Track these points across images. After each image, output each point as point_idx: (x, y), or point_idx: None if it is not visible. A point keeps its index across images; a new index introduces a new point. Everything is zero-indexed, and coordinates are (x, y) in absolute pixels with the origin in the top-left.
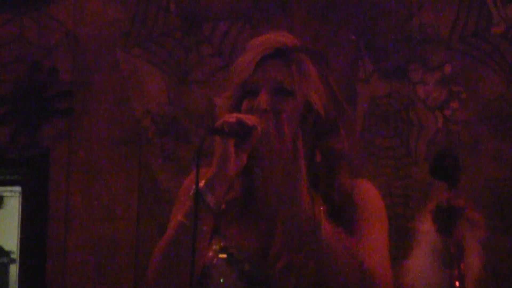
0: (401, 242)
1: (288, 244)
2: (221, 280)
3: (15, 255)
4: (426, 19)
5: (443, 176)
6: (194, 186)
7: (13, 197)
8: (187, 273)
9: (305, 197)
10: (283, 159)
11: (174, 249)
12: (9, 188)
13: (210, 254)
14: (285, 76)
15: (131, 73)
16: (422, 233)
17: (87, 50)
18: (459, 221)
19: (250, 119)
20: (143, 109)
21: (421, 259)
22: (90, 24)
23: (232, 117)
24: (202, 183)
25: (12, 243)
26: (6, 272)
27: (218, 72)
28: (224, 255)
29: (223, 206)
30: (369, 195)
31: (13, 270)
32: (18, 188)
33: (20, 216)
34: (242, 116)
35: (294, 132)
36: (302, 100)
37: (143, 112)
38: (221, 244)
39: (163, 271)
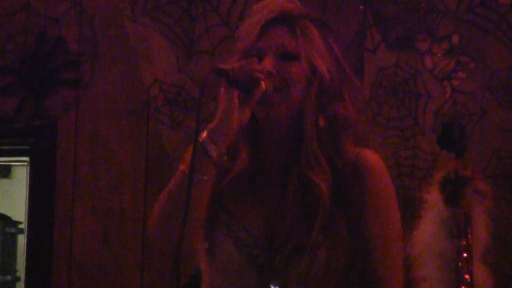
0: (408, 213)
1: (298, 221)
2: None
3: (23, 226)
4: None
5: (451, 146)
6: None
7: (21, 166)
8: (188, 222)
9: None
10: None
11: (175, 198)
12: (17, 158)
13: (218, 235)
14: (290, 40)
15: (139, 42)
16: (429, 204)
17: (94, 20)
18: (467, 192)
19: (256, 72)
20: (151, 77)
21: (429, 230)
22: None
23: (238, 66)
24: (204, 134)
25: (20, 214)
26: (14, 242)
27: (225, 42)
28: (233, 239)
29: (225, 158)
30: (378, 180)
31: (21, 240)
32: (26, 158)
33: (28, 186)
34: (248, 67)
35: (301, 96)
36: (307, 64)
37: (152, 80)
38: (229, 226)
39: (164, 220)
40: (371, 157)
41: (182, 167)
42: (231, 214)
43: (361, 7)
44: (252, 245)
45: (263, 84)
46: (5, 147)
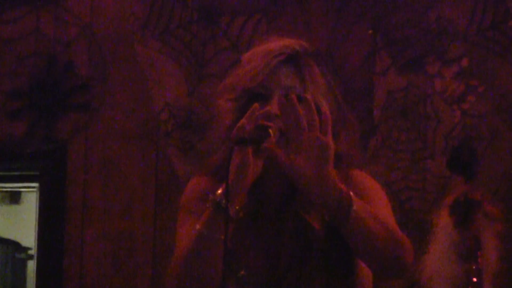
0: (418, 236)
1: (296, 257)
2: None
3: (33, 251)
4: (443, 12)
5: (461, 170)
6: (209, 195)
7: (31, 192)
8: (206, 284)
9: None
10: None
11: (193, 261)
12: (26, 184)
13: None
14: (297, 82)
15: (149, 65)
16: (439, 227)
17: (103, 44)
18: (477, 215)
19: (264, 122)
20: (162, 101)
21: (439, 253)
22: (106, 17)
23: (250, 123)
24: (219, 192)
25: (29, 239)
26: (24, 268)
27: (234, 66)
28: (234, 279)
29: (241, 214)
30: (365, 182)
31: (31, 266)
32: (35, 184)
33: (37, 212)
34: (258, 119)
35: None
36: (312, 105)
37: (162, 104)
38: (231, 264)
39: (182, 283)
40: (360, 174)
41: (198, 226)
42: (232, 253)
43: (370, 31)
44: (253, 283)
45: (271, 133)
46: (15, 173)
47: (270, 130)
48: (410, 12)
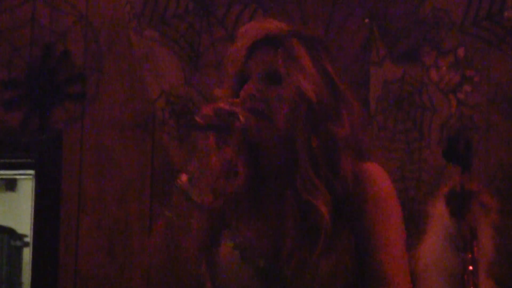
0: (414, 226)
1: (300, 241)
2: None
3: (29, 238)
4: (439, 3)
5: (456, 160)
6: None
7: (26, 180)
8: (183, 269)
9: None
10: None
11: (164, 247)
12: (22, 171)
13: (224, 250)
14: (276, 62)
15: (144, 55)
16: (435, 217)
17: (99, 33)
18: (472, 205)
19: (229, 107)
20: (158, 89)
21: (434, 243)
22: (102, 6)
23: (209, 109)
24: (184, 178)
25: (25, 227)
26: (19, 255)
27: None
28: (238, 252)
29: (209, 198)
30: (378, 183)
31: (27, 253)
32: (31, 171)
33: (33, 199)
34: (221, 105)
35: (288, 119)
36: (292, 86)
37: (158, 92)
38: (235, 239)
39: (160, 270)
40: (371, 167)
41: (166, 212)
42: (236, 229)
43: (366, 20)
44: (259, 257)
45: (241, 118)
46: (11, 161)
47: (240, 116)
48: (406, 3)
